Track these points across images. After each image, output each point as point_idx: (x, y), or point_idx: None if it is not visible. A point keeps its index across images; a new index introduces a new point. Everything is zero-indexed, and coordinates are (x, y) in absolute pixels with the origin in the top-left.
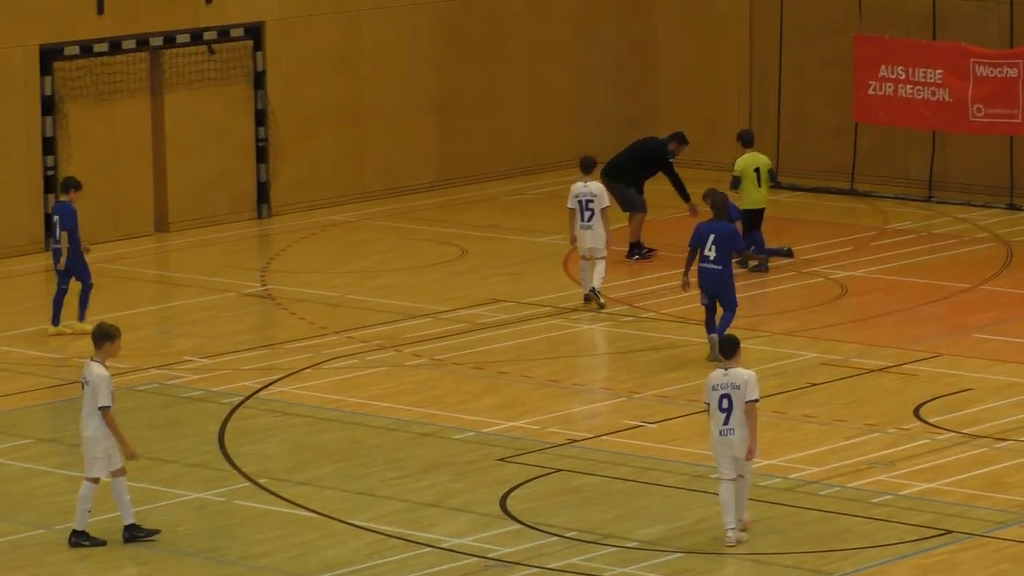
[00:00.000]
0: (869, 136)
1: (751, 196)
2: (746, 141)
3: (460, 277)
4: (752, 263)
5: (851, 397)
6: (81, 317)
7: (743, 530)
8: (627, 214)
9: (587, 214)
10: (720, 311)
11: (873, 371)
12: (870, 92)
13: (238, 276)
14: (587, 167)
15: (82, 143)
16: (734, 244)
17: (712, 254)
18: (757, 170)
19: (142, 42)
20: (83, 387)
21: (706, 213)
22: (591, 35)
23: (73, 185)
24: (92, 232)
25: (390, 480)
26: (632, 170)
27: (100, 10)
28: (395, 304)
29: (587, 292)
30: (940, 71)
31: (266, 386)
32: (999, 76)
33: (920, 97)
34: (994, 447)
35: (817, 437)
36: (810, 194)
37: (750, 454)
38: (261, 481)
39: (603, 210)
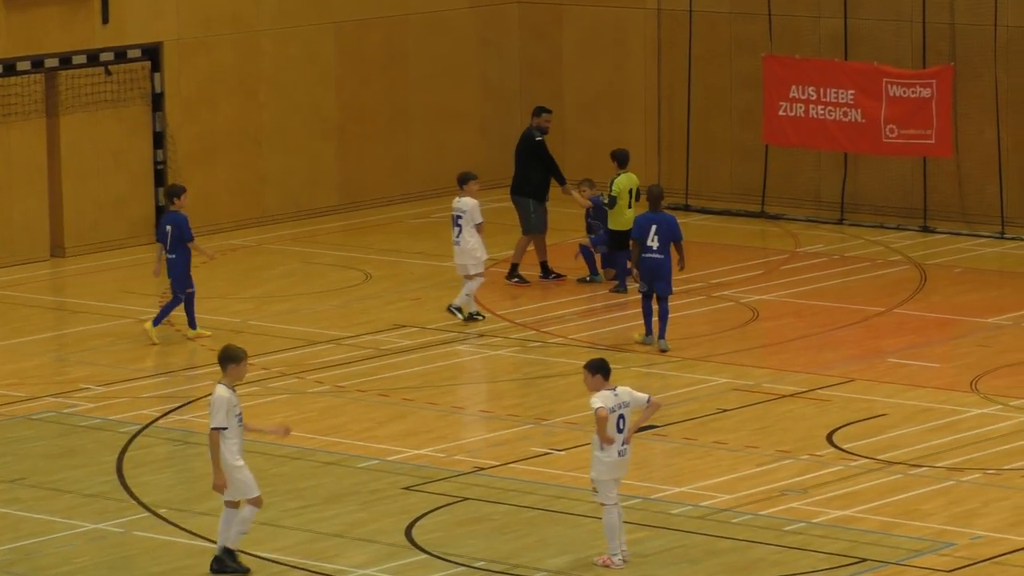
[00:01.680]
0: (780, 158)
1: (624, 217)
2: (622, 161)
3: (364, 302)
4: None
5: (763, 423)
6: (157, 321)
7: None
8: (527, 236)
9: (456, 230)
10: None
11: (785, 396)
12: (781, 113)
13: (136, 302)
14: (461, 182)
15: None
16: (675, 234)
17: (655, 244)
18: (631, 191)
19: (37, 63)
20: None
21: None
22: (493, 55)
23: (177, 192)
24: None
25: (293, 510)
26: (524, 175)
27: None
28: (297, 330)
29: (471, 312)
30: (852, 91)
31: (165, 414)
32: (912, 96)
33: (832, 118)
34: (909, 474)
35: (729, 464)
36: (720, 217)
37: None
38: (161, 512)
39: (476, 226)
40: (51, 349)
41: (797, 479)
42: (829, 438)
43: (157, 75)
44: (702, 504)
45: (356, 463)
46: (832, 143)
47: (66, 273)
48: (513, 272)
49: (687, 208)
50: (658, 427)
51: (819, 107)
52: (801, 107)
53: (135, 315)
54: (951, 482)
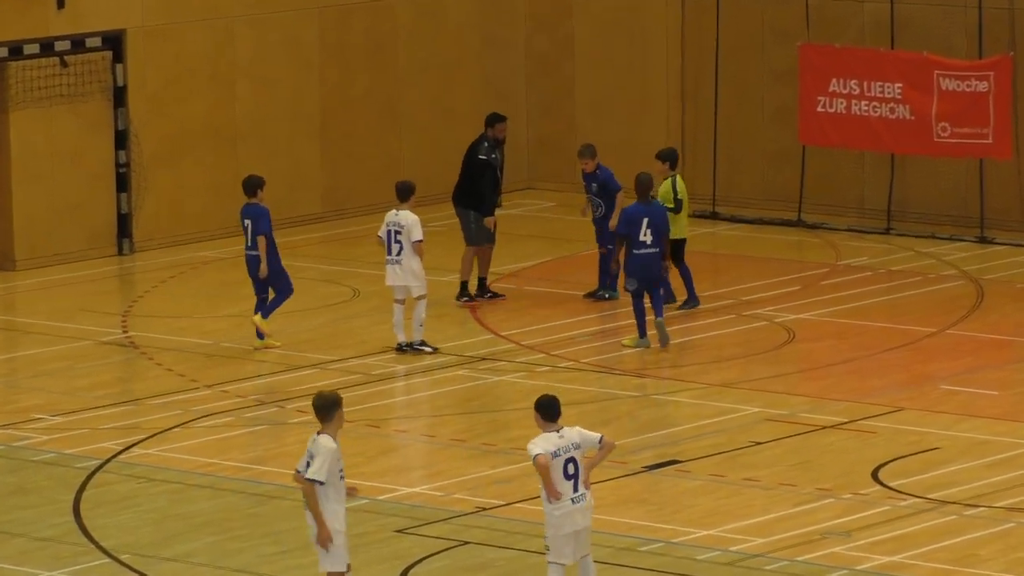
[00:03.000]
0: (818, 160)
1: (681, 224)
2: (673, 162)
3: (351, 322)
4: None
5: (800, 458)
6: (266, 314)
7: None
8: (471, 248)
9: (395, 247)
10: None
11: (825, 428)
12: (819, 109)
13: (95, 322)
14: (401, 194)
15: None
16: (666, 227)
17: (648, 238)
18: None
19: None
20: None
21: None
22: (495, 46)
23: (258, 184)
24: None
25: (270, 556)
26: (468, 186)
27: None
28: (277, 353)
29: (400, 342)
30: (899, 85)
31: (128, 448)
32: (967, 90)
33: (877, 115)
34: (964, 515)
35: (762, 504)
36: (751, 226)
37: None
38: (123, 557)
39: (414, 244)
40: (0, 374)
41: (839, 521)
42: (875, 475)
43: (119, 66)
44: (732, 549)
45: None
46: (877, 143)
47: (16, 288)
48: (464, 291)
49: (714, 216)
50: (680, 462)
51: (862, 102)
52: (842, 103)
53: (94, 336)
54: (1011, 524)
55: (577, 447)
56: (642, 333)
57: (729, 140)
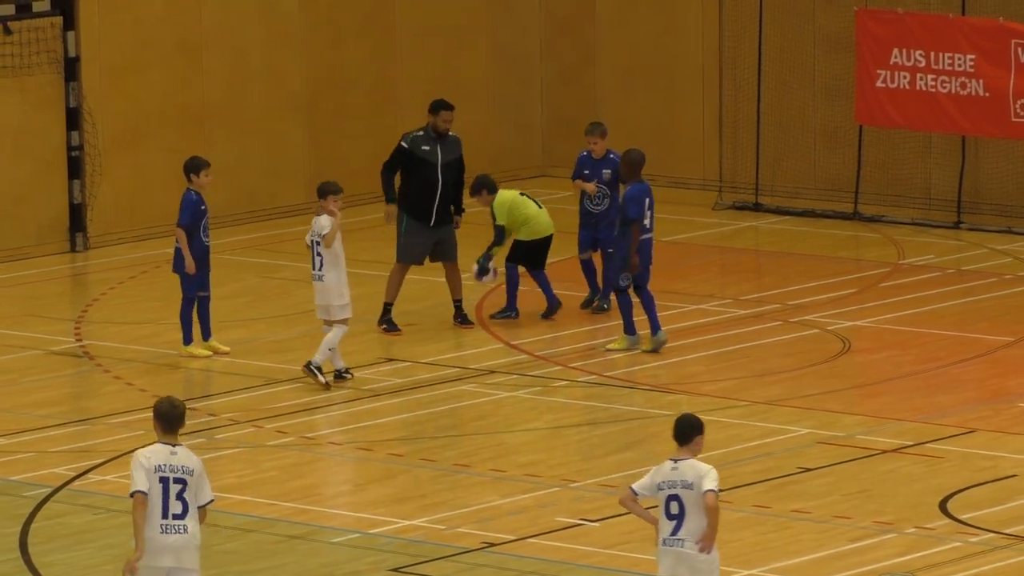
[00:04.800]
0: (878, 143)
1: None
2: (492, 187)
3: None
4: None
5: (857, 487)
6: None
7: None
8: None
9: (318, 260)
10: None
11: (886, 452)
12: (879, 85)
13: (44, 328)
14: (321, 195)
15: None
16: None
17: (649, 222)
18: None
19: None
20: None
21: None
22: (507, 9)
23: (194, 167)
24: None
25: None
26: (388, 181)
27: None
28: (253, 365)
29: (337, 369)
30: (972, 56)
31: (82, 474)
32: None
33: (945, 91)
34: None
35: (813, 539)
36: (800, 219)
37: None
38: None
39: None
40: None
41: (902, 559)
42: (942, 506)
43: (71, 34)
44: None
45: (329, 537)
46: (946, 123)
47: None
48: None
49: (757, 208)
50: (720, 491)
51: (928, 76)
52: (905, 77)
53: (43, 345)
54: None
55: (687, 486)
56: (632, 330)
57: (774, 119)
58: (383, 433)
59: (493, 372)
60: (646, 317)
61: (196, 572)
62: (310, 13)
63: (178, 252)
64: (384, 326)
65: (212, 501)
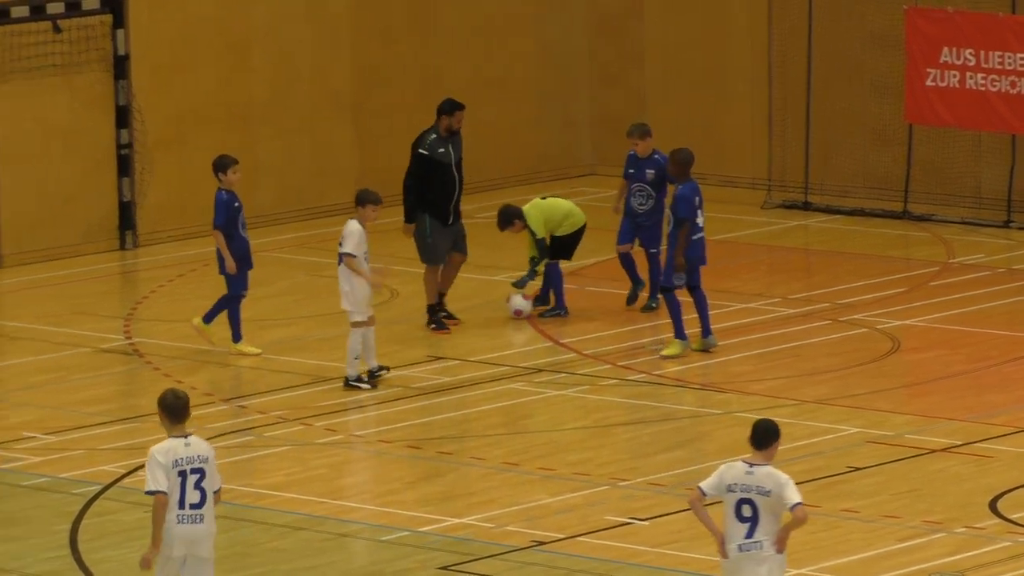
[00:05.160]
0: (928, 142)
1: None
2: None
3: (389, 328)
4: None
5: (906, 486)
6: (236, 337)
7: None
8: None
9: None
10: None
11: (935, 451)
12: (928, 83)
13: (94, 326)
14: (360, 202)
15: None
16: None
17: (701, 220)
18: None
19: None
20: None
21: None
22: (556, 10)
23: (222, 165)
24: None
25: None
26: (418, 196)
27: None
28: (301, 363)
29: (371, 368)
30: (1022, 55)
31: (132, 472)
32: None
33: (995, 89)
34: None
35: (861, 538)
36: (849, 218)
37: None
38: None
39: (341, 255)
40: None
41: (951, 558)
42: (992, 505)
43: (120, 32)
44: None
45: (378, 535)
46: (995, 122)
47: (1, 288)
48: (432, 314)
49: (807, 207)
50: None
51: (979, 75)
52: (955, 76)
53: (92, 343)
54: None
55: (764, 493)
56: (683, 334)
57: (823, 118)
58: (432, 431)
59: (541, 371)
60: (697, 317)
61: (211, 561)
62: (357, 12)
63: (219, 254)
64: (433, 326)
65: (221, 488)
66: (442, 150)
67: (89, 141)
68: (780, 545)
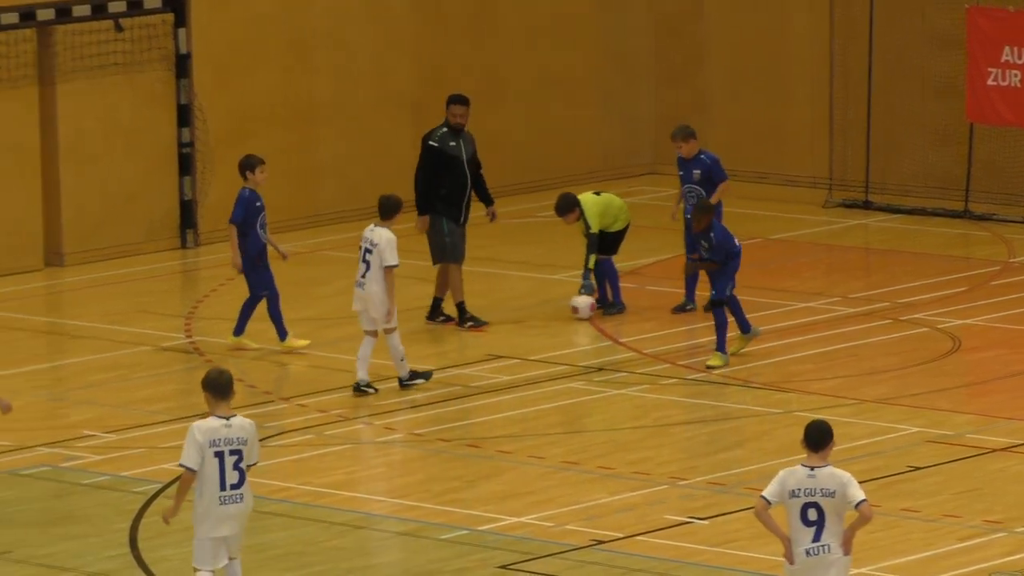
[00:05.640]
0: (989, 141)
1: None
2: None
3: (447, 326)
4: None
5: (967, 485)
6: (238, 331)
7: None
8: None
9: (362, 267)
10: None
11: (995, 451)
12: (990, 83)
13: (155, 325)
14: (385, 210)
15: None
16: None
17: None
18: None
19: (27, 15)
20: None
21: None
22: (617, 10)
23: (249, 164)
24: None
25: None
26: (428, 187)
27: None
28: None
29: (359, 380)
30: None
31: None
32: None
33: None
34: None
35: (921, 538)
36: (910, 217)
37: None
38: None
39: (385, 269)
40: (44, 384)
41: (1011, 558)
42: None
43: (182, 31)
44: None
45: (437, 534)
46: None
47: (64, 287)
48: (436, 310)
49: (867, 206)
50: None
51: None
52: (1016, 75)
53: (153, 341)
54: None
55: (829, 494)
56: (724, 348)
57: (884, 117)
58: (491, 430)
59: (601, 369)
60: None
61: (243, 532)
62: (419, 12)
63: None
64: (470, 323)
65: (257, 463)
66: (452, 144)
67: (151, 140)
68: (847, 546)
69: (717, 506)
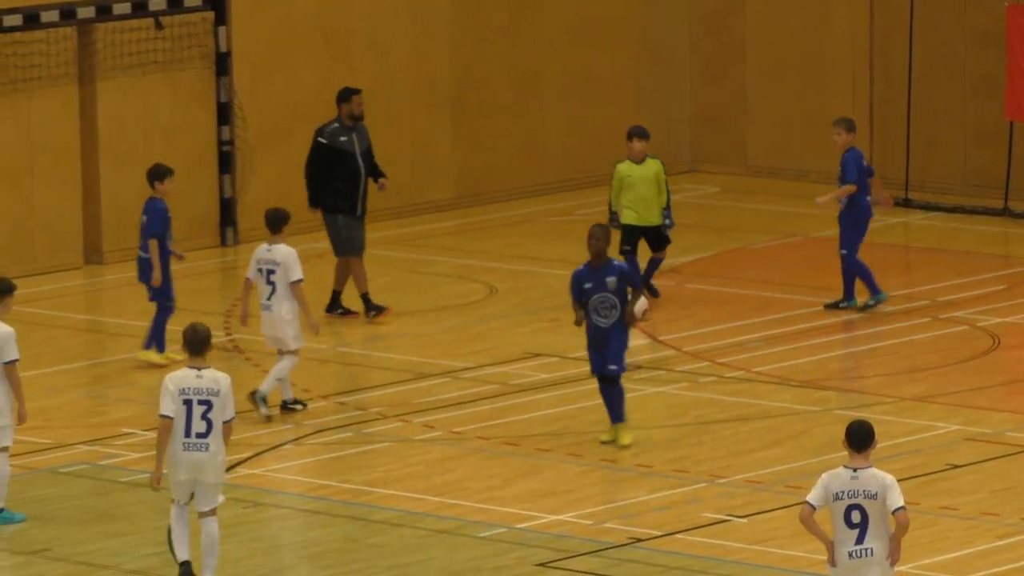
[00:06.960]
0: None
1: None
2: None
3: (487, 324)
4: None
5: (1006, 483)
6: (147, 345)
7: None
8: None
9: (267, 289)
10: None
11: None
12: None
13: (194, 321)
14: (273, 224)
15: None
16: None
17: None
18: None
19: (67, 13)
20: None
21: None
22: (655, 8)
23: (159, 174)
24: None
25: None
26: (315, 182)
27: None
28: (401, 359)
29: (285, 400)
30: None
31: (231, 467)
32: None
33: None
34: None
35: (960, 536)
36: (950, 215)
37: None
38: None
39: (292, 285)
40: (84, 382)
41: None
42: None
43: (222, 29)
44: None
45: (476, 531)
46: None
47: (104, 285)
48: (335, 303)
49: (907, 204)
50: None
51: None
52: None
53: None
54: None
55: (871, 496)
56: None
57: (924, 115)
58: (530, 428)
59: (640, 367)
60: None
61: (218, 486)
62: (458, 8)
63: (146, 262)
64: (373, 312)
65: (233, 419)
66: (344, 139)
67: (191, 138)
68: (894, 557)
69: (756, 504)
